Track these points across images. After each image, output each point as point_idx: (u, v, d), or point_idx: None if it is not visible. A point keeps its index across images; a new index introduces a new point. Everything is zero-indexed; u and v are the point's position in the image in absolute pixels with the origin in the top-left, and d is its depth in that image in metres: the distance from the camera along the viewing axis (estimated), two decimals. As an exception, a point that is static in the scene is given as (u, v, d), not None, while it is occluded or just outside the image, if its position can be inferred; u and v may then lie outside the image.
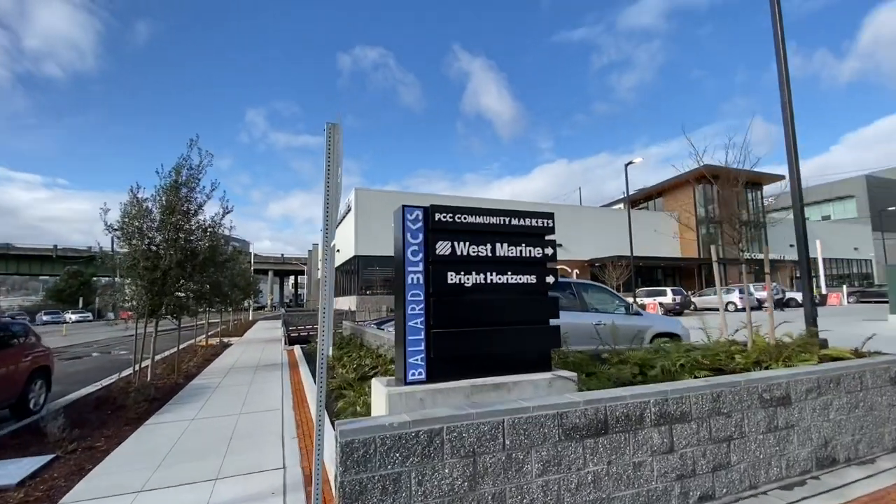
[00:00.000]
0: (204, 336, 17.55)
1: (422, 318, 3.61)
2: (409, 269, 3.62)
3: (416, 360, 3.56)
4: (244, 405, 6.87)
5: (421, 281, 3.64)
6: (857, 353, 4.93)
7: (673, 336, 7.60)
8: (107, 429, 5.91)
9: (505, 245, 3.94)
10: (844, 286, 36.79)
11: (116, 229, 8.49)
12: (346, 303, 29.86)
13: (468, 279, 3.75)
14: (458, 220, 3.80)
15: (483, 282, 3.81)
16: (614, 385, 3.75)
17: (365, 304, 27.92)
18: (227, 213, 9.51)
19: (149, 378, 8.89)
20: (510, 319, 3.90)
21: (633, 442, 3.13)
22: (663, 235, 42.65)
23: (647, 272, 39.65)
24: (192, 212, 9.22)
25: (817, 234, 45.63)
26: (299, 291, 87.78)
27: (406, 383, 3.51)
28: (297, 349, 13.30)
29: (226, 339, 17.83)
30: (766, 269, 5.51)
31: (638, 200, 48.16)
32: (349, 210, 31.49)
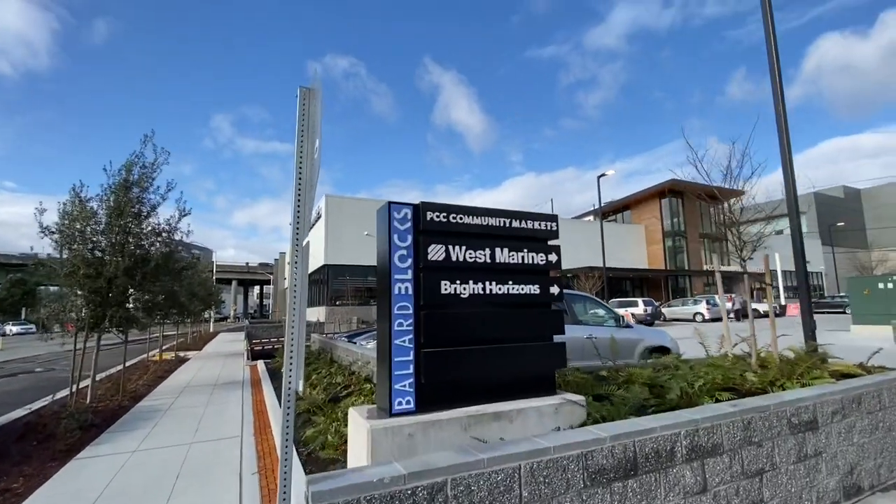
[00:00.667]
0: (158, 350, 16.23)
1: (410, 336, 3.04)
2: (396, 277, 3.06)
3: (404, 385, 2.98)
4: (198, 432, 6.05)
5: (410, 291, 3.08)
6: (865, 369, 4.68)
7: (664, 349, 7.28)
8: (29, 465, 5.00)
9: (505, 251, 3.44)
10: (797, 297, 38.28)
11: (54, 232, 7.51)
12: (315, 314, 28.70)
13: (464, 289, 3.22)
14: (453, 221, 3.27)
15: (481, 292, 3.29)
16: (633, 412, 3.29)
17: (334, 316, 26.88)
18: (185, 215, 8.64)
19: (88, 400, 7.87)
20: (512, 336, 3.38)
21: (665, 483, 2.65)
22: (632, 247, 43.49)
23: (617, 283, 40.19)
24: (145, 214, 8.32)
25: (775, 248, 47.62)
26: (264, 302, 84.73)
27: (391, 414, 2.92)
28: (260, 365, 12.34)
29: (183, 354, 16.55)
30: (768, 280, 5.24)
31: (607, 213, 49.08)
32: (319, 217, 30.47)
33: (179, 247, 10.17)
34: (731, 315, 29.07)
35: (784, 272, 43.52)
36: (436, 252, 3.16)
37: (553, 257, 3.65)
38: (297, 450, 4.62)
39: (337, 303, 29.07)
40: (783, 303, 36.73)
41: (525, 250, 3.52)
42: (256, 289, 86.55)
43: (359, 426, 2.93)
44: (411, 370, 3.02)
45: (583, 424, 3.37)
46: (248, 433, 5.89)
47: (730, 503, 2.89)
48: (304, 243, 1.94)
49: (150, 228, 8.42)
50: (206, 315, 27.31)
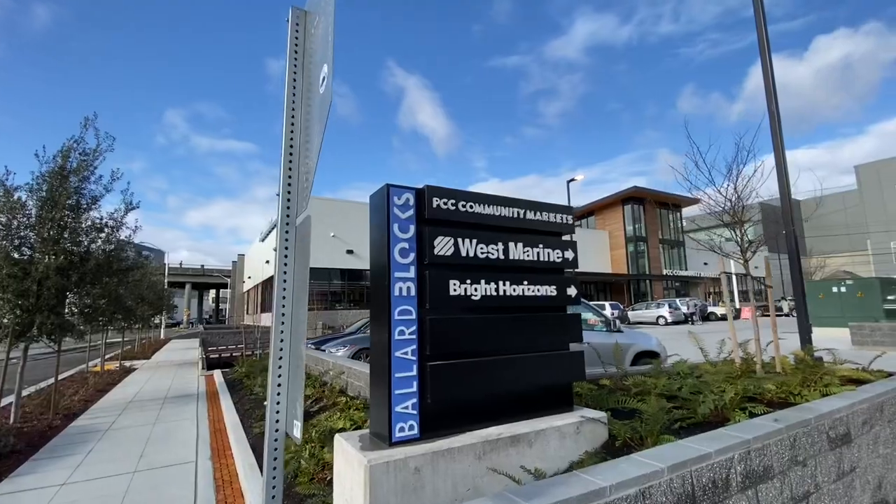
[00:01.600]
0: (100, 360, 14.75)
1: (414, 346, 2.51)
2: (397, 275, 2.52)
3: (406, 407, 2.44)
4: (143, 457, 5.22)
5: (413, 292, 2.56)
6: (869, 374, 4.53)
7: (653, 354, 7.04)
8: (-76, 506, 4.07)
9: (520, 245, 2.98)
10: (753, 300, 40.16)
11: (-31, 225, 6.43)
12: (277, 319, 27.33)
13: (476, 290, 2.73)
14: (463, 210, 2.78)
15: (494, 294, 2.80)
16: (668, 432, 2.88)
17: (298, 321, 25.65)
18: (131, 209, 7.70)
19: (11, 420, 6.80)
20: (527, 345, 2.92)
21: (722, 519, 2.25)
22: (596, 252, 44.40)
23: (583, 287, 40.86)
24: (84, 207, 7.33)
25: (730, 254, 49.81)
26: (221, 307, 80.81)
27: (391, 443, 2.38)
28: (217, 375, 11.33)
29: (129, 363, 15.12)
30: (768, 283, 5.05)
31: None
32: (282, 218, 29.16)
33: (126, 245, 9.15)
34: (694, 317, 30.04)
35: (742, 276, 45.58)
36: (444, 246, 2.65)
37: (570, 254, 3.22)
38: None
39: (300, 307, 27.84)
40: (737, 306, 38.37)
41: (541, 245, 3.07)
42: (212, 293, 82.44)
43: (350, 460, 2.37)
44: (415, 388, 2.49)
45: (606, 445, 2.95)
46: (204, 456, 5.13)
47: (783, 536, 2.53)
48: (301, 219, 1.39)
49: (90, 223, 7.44)
50: (157, 321, 25.47)
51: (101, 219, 7.58)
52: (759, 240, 4.93)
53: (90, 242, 7.53)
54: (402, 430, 2.42)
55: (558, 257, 3.14)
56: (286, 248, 1.34)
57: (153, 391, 9.86)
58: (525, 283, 2.93)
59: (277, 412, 1.28)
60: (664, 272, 46.09)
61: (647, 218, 46.14)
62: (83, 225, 7.23)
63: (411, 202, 2.63)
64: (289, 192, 1.40)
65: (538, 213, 3.10)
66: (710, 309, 34.87)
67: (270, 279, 31.83)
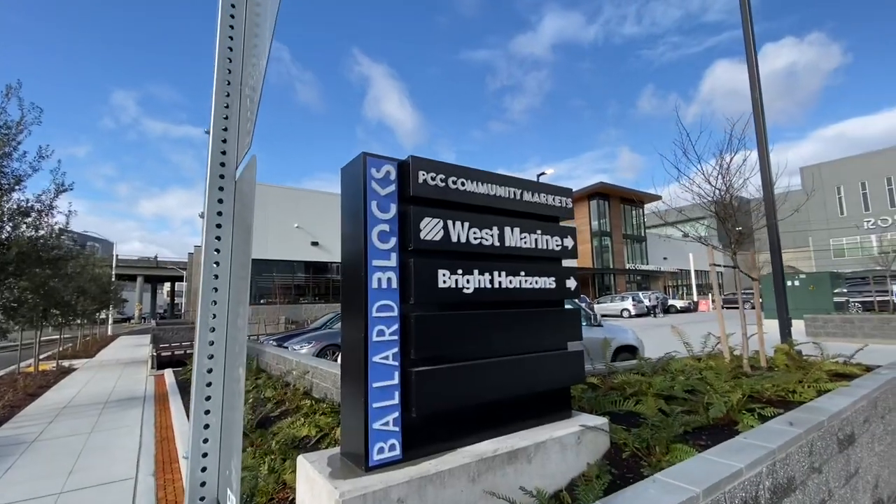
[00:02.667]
0: (34, 359, 13.43)
1: (395, 350, 2.09)
2: (375, 263, 2.08)
3: (386, 423, 2.02)
4: (73, 474, 4.54)
5: (394, 284, 2.13)
6: (853, 368, 4.46)
7: (632, 349, 6.89)
8: None
9: (517, 231, 2.60)
10: (710, 294, 41.98)
11: None
12: (236, 313, 26.05)
13: (468, 282, 2.33)
14: (453, 187, 2.36)
15: (489, 286, 2.41)
16: (681, 441, 2.59)
17: (258, 316, 24.54)
18: (62, 191, 6.82)
19: (-85, 433, 5.89)
20: (524, 344, 2.55)
21: (754, 544, 1.96)
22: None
23: (549, 280, 41.31)
24: (5, 187, 6.43)
25: (689, 249, 51.89)
26: (176, 301, 76.90)
27: (368, 468, 1.95)
28: (168, 374, 10.46)
29: (68, 363, 13.86)
30: (754, 275, 4.92)
31: (539, 212, 50.40)
32: (242, 207, 27.76)
33: (61, 233, 8.19)
34: (657, 310, 30.93)
35: (696, 271, 47.50)
36: (431, 229, 2.23)
37: (569, 242, 2.87)
38: (214, 498, 3.44)
39: (261, 301, 26.65)
40: (695, 299, 39.91)
41: (539, 232, 2.70)
42: (167, 286, 78.31)
43: (317, 490, 1.93)
44: (396, 399, 2.07)
45: (608, 456, 2.64)
46: (147, 472, 4.52)
47: (807, 554, 2.29)
48: (242, 167, 0.92)
49: (12, 206, 6.54)
50: (102, 316, 23.72)
51: (27, 201, 6.69)
52: (747, 231, 4.78)
53: (14, 228, 6.63)
54: (381, 450, 2.00)
55: (557, 245, 2.79)
56: (219, 215, 0.89)
57: (93, 394, 8.95)
58: (522, 273, 2.56)
59: (203, 471, 0.83)
60: (627, 266, 47.34)
61: (611, 213, 47.18)
62: (3, 207, 6.33)
63: (392, 176, 2.19)
64: (225, 124, 0.94)
65: (536, 195, 2.72)
66: (670, 302, 36.09)
67: (229, 272, 30.41)
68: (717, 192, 4.69)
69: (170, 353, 14.61)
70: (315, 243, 28.71)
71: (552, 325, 2.69)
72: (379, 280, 2.09)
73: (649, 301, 32.38)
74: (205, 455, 0.86)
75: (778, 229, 5.79)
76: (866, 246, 47.36)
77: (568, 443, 2.50)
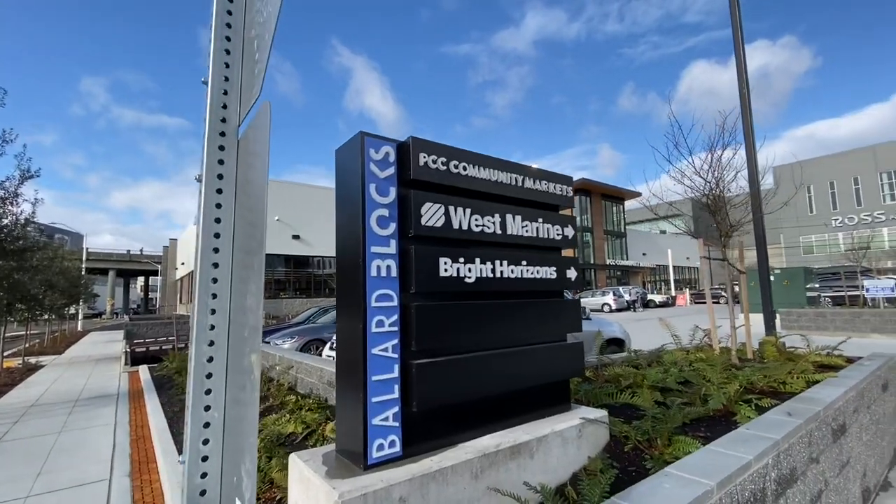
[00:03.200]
0: (-2, 356, 12.80)
1: (395, 341, 1.98)
2: (374, 250, 1.96)
3: (385, 418, 1.91)
4: (41, 475, 4.29)
5: (394, 273, 2.01)
6: (837, 359, 4.54)
7: (619, 342, 6.92)
8: None
9: (518, 219, 2.51)
10: (687, 289, 42.98)
11: None
12: (214, 308, 25.42)
13: (470, 271, 2.23)
14: (455, 172, 2.25)
15: (490, 276, 2.32)
16: (681, 433, 2.55)
17: (238, 310, 23.97)
18: (28, 178, 6.44)
19: None
20: (526, 336, 2.47)
21: (763, 537, 1.93)
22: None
23: (531, 275, 41.63)
24: (-35, 173, 6.02)
25: (667, 245, 52.97)
26: (150, 296, 74.71)
27: (367, 466, 1.85)
28: (143, 371, 10.09)
29: (35, 360, 13.27)
30: (741, 268, 4.96)
31: (522, 207, 50.64)
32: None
33: (27, 223, 7.76)
34: (636, 304, 31.46)
35: (674, 267, 48.52)
36: (433, 215, 2.12)
37: (569, 231, 2.79)
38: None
39: (240, 296, 26.05)
40: (674, 294, 40.76)
41: (540, 220, 2.62)
42: (140, 280, 76.02)
43: (313, 491, 1.81)
44: (396, 393, 1.96)
45: (608, 449, 2.60)
46: (122, 473, 4.30)
47: (809, 545, 2.28)
48: (246, 124, 0.78)
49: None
50: (72, 311, 22.83)
51: (-12, 189, 6.29)
52: (738, 224, 4.81)
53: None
54: (380, 447, 1.89)
55: (558, 234, 2.71)
56: (220, 178, 0.75)
57: (63, 392, 8.56)
58: (524, 263, 2.47)
59: (204, 477, 0.70)
60: (607, 262, 48.03)
61: (592, 209, 47.71)
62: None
63: (392, 158, 2.07)
64: (226, 71, 0.80)
65: (538, 182, 2.64)
66: (649, 296, 36.80)
67: (207, 266, 29.66)
68: (708, 185, 4.70)
69: (144, 349, 14.18)
70: (296, 237, 28.22)
71: (553, 316, 2.62)
72: (378, 268, 1.97)
73: (629, 296, 32.92)
74: (205, 458, 0.73)
75: (764, 223, 5.87)
76: (833, 243, 49.11)
77: (569, 436, 2.44)
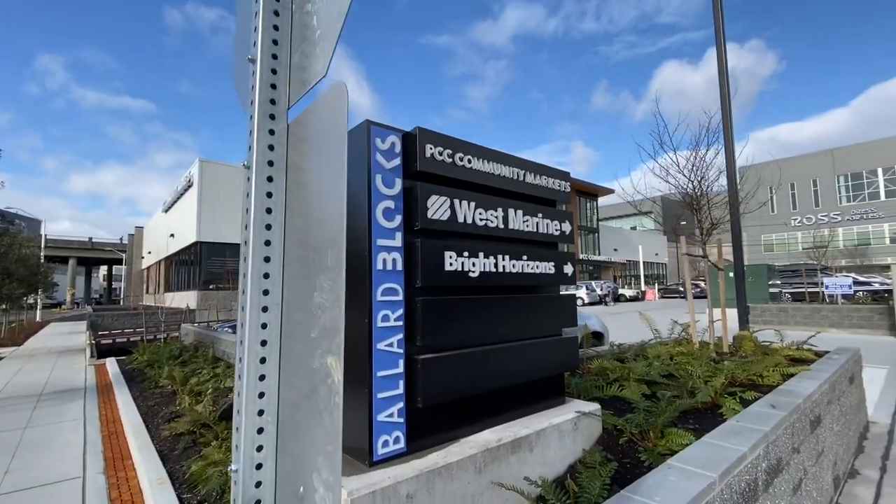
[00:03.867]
0: (-51, 348, 12.07)
1: (400, 336, 1.95)
2: (380, 243, 1.92)
3: (391, 414, 1.89)
4: (9, 474, 4.07)
5: (399, 266, 1.98)
6: (807, 353, 4.77)
7: (599, 335, 7.06)
8: None
9: (520, 213, 2.50)
10: (656, 284, 44.30)
11: None
12: (184, 299, 24.66)
13: (474, 265, 2.21)
14: (460, 164, 2.22)
15: (493, 270, 2.31)
16: (671, 425, 2.62)
17: (208, 302, 23.32)
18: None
19: None
20: (525, 330, 2.48)
21: (755, 525, 2.00)
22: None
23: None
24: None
25: (638, 242, 54.36)
26: (114, 285, 71.75)
27: (373, 463, 1.82)
28: (111, 364, 9.69)
29: (-10, 352, 12.57)
30: (720, 266, 5.12)
31: (499, 201, 50.90)
32: (190, 185, 26.13)
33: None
34: (608, 298, 32.22)
35: (645, 262, 49.85)
36: (439, 207, 2.09)
37: (567, 226, 2.81)
38: (179, 496, 3.18)
39: (211, 287, 25.33)
40: (642, 288, 41.94)
41: (540, 215, 2.62)
42: (103, 269, 72.87)
43: (318, 487, 1.77)
44: (401, 389, 1.93)
45: (601, 441, 2.65)
46: (96, 469, 4.12)
47: (792, 530, 2.39)
48: (301, 110, 0.71)
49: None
50: (30, 300, 21.71)
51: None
52: (719, 222, 4.97)
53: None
54: (385, 444, 1.86)
55: (556, 230, 2.72)
56: (270, 165, 0.69)
57: (25, 385, 8.15)
58: (525, 258, 2.47)
59: (258, 487, 0.63)
60: (580, 256, 48.93)
61: (567, 205, 48.40)
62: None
63: (398, 149, 2.02)
64: (275, 35, 0.74)
65: (538, 177, 2.63)
66: (620, 291, 37.75)
67: (178, 254, 28.63)
68: (691, 184, 4.81)
69: (110, 341, 13.64)
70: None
71: (551, 310, 2.64)
72: (384, 261, 1.92)
73: (601, 290, 33.67)
74: (259, 466, 0.68)
75: (740, 222, 6.07)
76: (793, 242, 51.45)
77: (566, 429, 2.47)
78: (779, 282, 21.52)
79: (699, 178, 4.81)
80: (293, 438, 0.67)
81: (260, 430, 0.69)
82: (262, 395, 0.69)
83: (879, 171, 46.45)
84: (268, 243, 0.73)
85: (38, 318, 27.69)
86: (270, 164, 0.74)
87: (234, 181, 26.12)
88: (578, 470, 2.30)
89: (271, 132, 0.75)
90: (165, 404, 5.61)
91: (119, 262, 55.27)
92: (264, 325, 0.72)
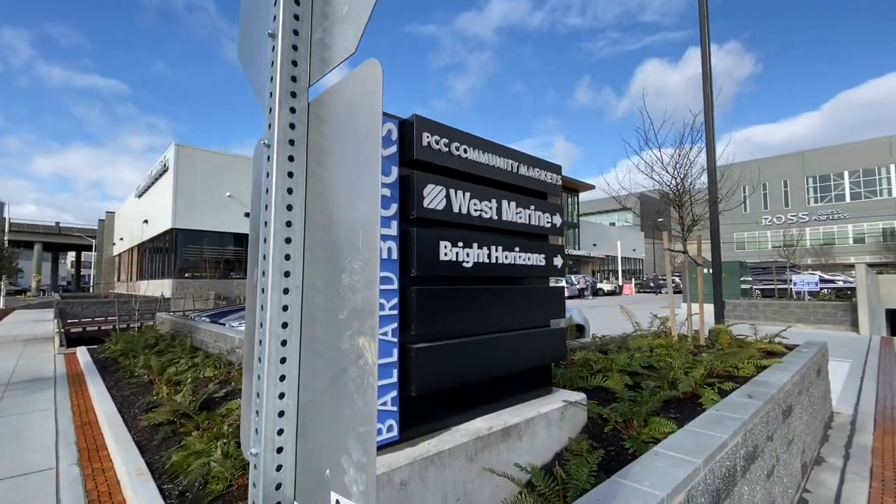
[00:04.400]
0: None
1: (394, 325, 1.94)
2: (375, 231, 1.90)
3: (384, 403, 1.89)
4: (-27, 465, 3.91)
5: (394, 255, 1.96)
6: (779, 346, 4.96)
7: (580, 328, 7.19)
8: None
9: (512, 205, 2.51)
10: (633, 279, 45.29)
11: None
12: (159, 288, 24.00)
13: (468, 256, 2.21)
14: (456, 154, 2.22)
15: (486, 261, 2.32)
16: (653, 414, 2.69)
17: (184, 291, 22.75)
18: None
19: None
20: (515, 321, 2.51)
21: (733, 509, 2.09)
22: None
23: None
24: None
25: (616, 237, 55.34)
26: (83, 272, 69.29)
27: (367, 450, 1.81)
28: (82, 353, 9.38)
29: (-50, 340, 12.01)
30: (699, 261, 5.27)
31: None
32: (165, 170, 25.33)
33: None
34: (586, 292, 32.78)
35: (623, 258, 50.82)
36: (434, 197, 2.08)
37: (557, 219, 2.84)
38: (160, 486, 3.12)
39: (186, 275, 24.71)
40: (620, 283, 42.81)
41: (532, 207, 2.64)
42: (71, 256, 70.23)
43: (311, 475, 1.76)
44: (395, 378, 1.93)
45: (586, 429, 2.71)
46: (69, 460, 4.01)
47: (765, 514, 2.50)
48: (326, 86, 0.67)
49: None
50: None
51: None
52: (700, 218, 5.10)
53: None
54: (378, 432, 1.86)
55: (547, 222, 2.75)
56: (291, 144, 0.67)
57: (-12, 375, 7.81)
58: (517, 249, 2.49)
59: (279, 470, 0.61)
60: (560, 250, 49.55)
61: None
62: None
63: (394, 136, 2.00)
64: (296, 10, 0.73)
65: (531, 169, 2.65)
66: (598, 285, 38.47)
67: (152, 241, 27.79)
68: (674, 181, 4.92)
69: (80, 330, 13.21)
70: (248, 214, 26.96)
71: (541, 302, 2.67)
72: (379, 250, 1.91)
73: (580, 284, 34.24)
74: (280, 450, 0.67)
75: (718, 221, 6.24)
76: (763, 240, 53.23)
77: (553, 418, 2.52)
78: (749, 278, 22.26)
79: (682, 176, 4.92)
80: (317, 421, 0.66)
81: (281, 414, 0.68)
82: (283, 377, 0.68)
83: (846, 173, 48.34)
84: (289, 224, 0.71)
85: (1, 305, 26.55)
86: (291, 143, 0.72)
87: (209, 167, 25.43)
88: (565, 457, 2.35)
89: (292, 110, 0.72)
90: (142, 394, 5.47)
91: (88, 248, 53.32)
92: (285, 308, 0.70)
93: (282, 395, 0.68)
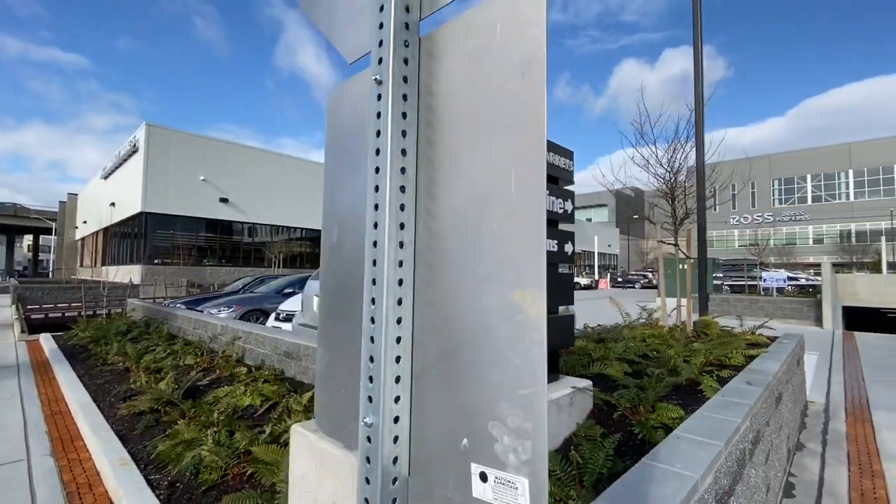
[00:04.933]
0: None
1: (415, 306, 1.87)
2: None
3: (404, 385, 1.81)
4: (-67, 457, 3.64)
5: (416, 234, 1.88)
6: (763, 338, 5.12)
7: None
8: None
9: (529, 188, 2.46)
10: (609, 274, 46.30)
11: None
12: (127, 274, 23.06)
13: (487, 237, 2.15)
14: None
15: (504, 244, 2.26)
16: (659, 400, 2.71)
17: (155, 277, 21.95)
18: None
19: None
20: (529, 306, 2.47)
21: (744, 493, 2.12)
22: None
23: (467, 255, 42.42)
24: None
25: (593, 233, 56.36)
26: (41, 257, 65.90)
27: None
28: (46, 339, 8.91)
29: None
30: (690, 254, 5.37)
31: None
32: (135, 151, 24.25)
33: None
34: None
35: (599, 253, 51.88)
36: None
37: (569, 205, 2.81)
38: (146, 477, 2.97)
39: (156, 261, 23.81)
40: (596, 278, 43.73)
41: (546, 192, 2.59)
42: (28, 239, 66.63)
43: (332, 462, 1.68)
44: (415, 360, 1.86)
45: (593, 415, 2.72)
46: (42, 452, 3.78)
47: (765, 500, 2.56)
48: (440, 23, 0.59)
49: None
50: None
51: None
52: (691, 212, 5.19)
53: None
54: (399, 416, 1.79)
55: (560, 208, 2.72)
56: (405, 100, 0.60)
57: (-57, 362, 7.32)
58: (532, 233, 2.45)
59: (396, 441, 0.55)
60: (538, 245, 50.24)
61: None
62: None
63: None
64: None
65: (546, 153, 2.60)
66: (575, 279, 39.22)
67: (120, 225, 26.64)
68: (668, 174, 4.98)
69: (43, 316, 12.59)
70: (224, 199, 26.16)
71: (552, 288, 2.64)
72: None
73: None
74: (396, 420, 0.59)
75: (705, 217, 6.38)
76: (731, 239, 55.25)
77: (563, 404, 2.50)
78: (720, 274, 23.06)
79: (675, 171, 4.99)
80: (448, 387, 0.58)
81: (398, 380, 0.60)
82: (399, 339, 0.60)
83: (808, 177, 50.51)
84: (403, 171, 0.63)
85: (-49, 290, 24.98)
86: (405, 80, 0.63)
87: (186, 151, 24.48)
88: (578, 442, 2.34)
89: (405, 44, 0.63)
90: (118, 382, 5.23)
91: (48, 231, 50.67)
92: (401, 263, 0.62)
93: (398, 359, 0.60)
